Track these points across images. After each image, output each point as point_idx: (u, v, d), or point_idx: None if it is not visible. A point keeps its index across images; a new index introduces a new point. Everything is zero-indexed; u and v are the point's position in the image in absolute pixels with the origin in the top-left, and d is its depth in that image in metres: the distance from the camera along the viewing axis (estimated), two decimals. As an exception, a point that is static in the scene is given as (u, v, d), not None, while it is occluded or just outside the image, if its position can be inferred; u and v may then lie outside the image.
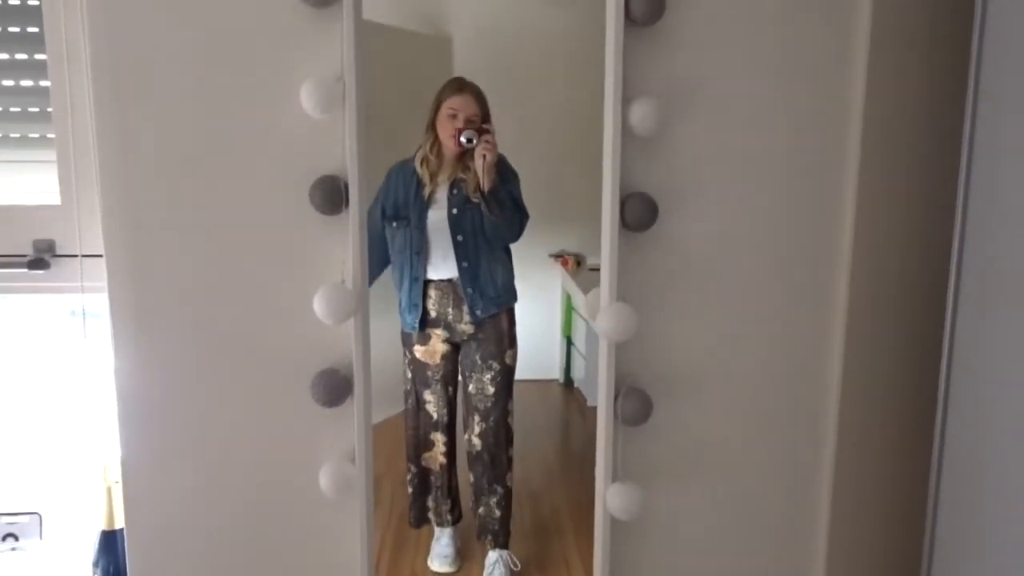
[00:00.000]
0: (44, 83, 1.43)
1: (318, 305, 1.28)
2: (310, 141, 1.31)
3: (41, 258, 1.41)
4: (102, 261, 1.30)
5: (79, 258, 1.31)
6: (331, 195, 1.29)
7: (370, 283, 2.19)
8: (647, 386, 1.41)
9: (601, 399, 1.41)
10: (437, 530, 2.37)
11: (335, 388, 1.34)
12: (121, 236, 1.32)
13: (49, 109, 1.45)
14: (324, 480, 1.35)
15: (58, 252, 1.42)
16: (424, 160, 2.10)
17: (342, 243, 1.32)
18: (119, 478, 1.40)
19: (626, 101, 1.31)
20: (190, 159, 1.32)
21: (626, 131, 1.32)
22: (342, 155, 1.29)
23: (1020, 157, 1.21)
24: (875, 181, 1.41)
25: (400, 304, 2.21)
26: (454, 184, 2.08)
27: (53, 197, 1.46)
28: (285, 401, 1.38)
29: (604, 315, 1.34)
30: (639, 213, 1.35)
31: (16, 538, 1.56)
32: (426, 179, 2.09)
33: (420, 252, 2.10)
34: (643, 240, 1.38)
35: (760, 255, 1.42)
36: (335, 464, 1.35)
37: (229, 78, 1.31)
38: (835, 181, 1.41)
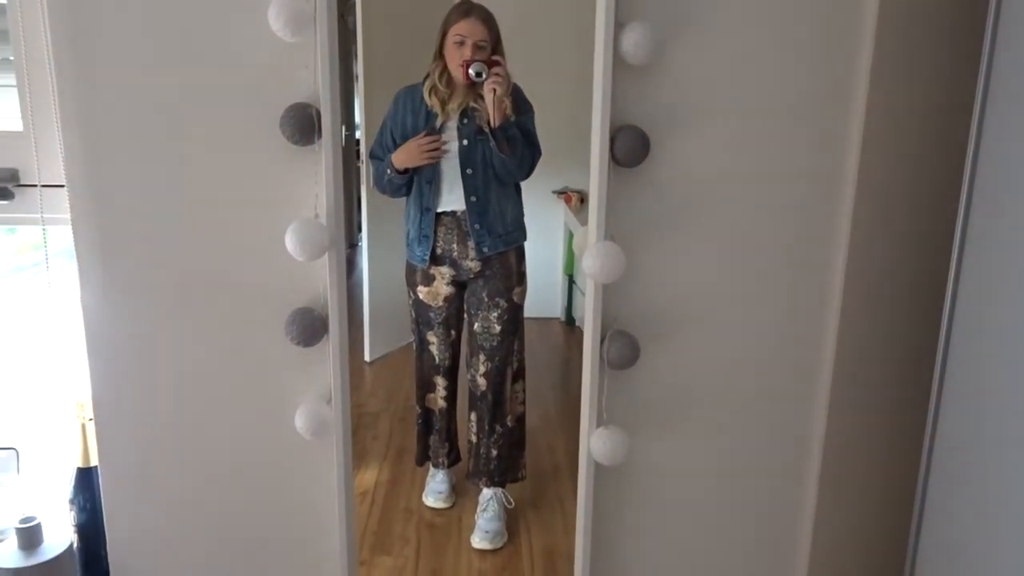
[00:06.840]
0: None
1: (290, 240, 1.23)
2: (280, 67, 1.24)
3: (4, 187, 1.36)
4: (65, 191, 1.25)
5: (39, 188, 1.26)
6: (303, 124, 1.22)
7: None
8: (636, 328, 1.36)
9: (587, 342, 1.36)
10: (433, 468, 2.38)
11: (310, 327, 1.30)
12: (83, 166, 1.25)
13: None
14: (300, 421, 1.32)
15: (23, 181, 1.37)
16: (433, 89, 2.02)
17: (315, 175, 1.26)
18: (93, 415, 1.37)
19: (618, 26, 1.23)
20: (154, 85, 1.25)
21: (618, 59, 1.24)
22: (314, 81, 1.22)
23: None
24: (883, 117, 1.32)
25: (408, 236, 2.14)
26: (465, 114, 2.00)
27: (18, 123, 1.39)
28: (259, 339, 1.34)
29: (590, 254, 1.28)
30: (630, 147, 1.28)
31: (-7, 473, 1.55)
32: (436, 109, 2.01)
33: (431, 181, 2.04)
34: (635, 176, 1.32)
35: (757, 192, 1.35)
36: (310, 405, 1.32)
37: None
38: (840, 115, 1.33)
